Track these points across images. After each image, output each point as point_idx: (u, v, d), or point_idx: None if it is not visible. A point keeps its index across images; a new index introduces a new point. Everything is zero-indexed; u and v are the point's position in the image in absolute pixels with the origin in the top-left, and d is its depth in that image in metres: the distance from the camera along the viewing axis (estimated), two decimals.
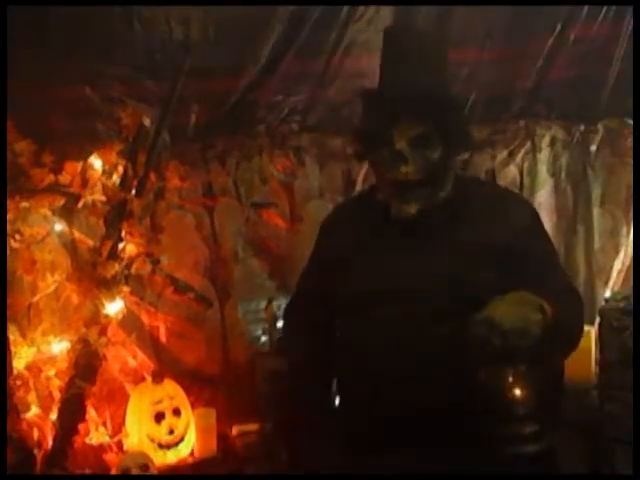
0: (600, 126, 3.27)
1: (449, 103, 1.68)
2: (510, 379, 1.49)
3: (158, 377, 2.50)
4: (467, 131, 1.74)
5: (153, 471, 2.32)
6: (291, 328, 1.98)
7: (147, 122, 2.35)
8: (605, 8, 3.02)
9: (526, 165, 3.20)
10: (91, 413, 2.42)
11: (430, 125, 1.63)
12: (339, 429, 1.76)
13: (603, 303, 2.86)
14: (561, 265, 1.84)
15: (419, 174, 1.63)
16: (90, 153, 2.36)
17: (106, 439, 2.45)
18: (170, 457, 2.45)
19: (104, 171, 2.36)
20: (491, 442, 1.55)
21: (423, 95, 1.62)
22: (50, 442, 2.26)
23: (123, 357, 2.52)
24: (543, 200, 3.22)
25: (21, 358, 2.24)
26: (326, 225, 1.91)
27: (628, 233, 3.28)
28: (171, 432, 2.45)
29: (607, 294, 3.18)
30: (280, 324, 2.61)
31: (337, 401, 1.87)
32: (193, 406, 2.55)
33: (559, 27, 3.02)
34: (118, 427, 2.49)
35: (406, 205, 1.65)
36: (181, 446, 2.47)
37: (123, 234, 2.35)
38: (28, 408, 2.22)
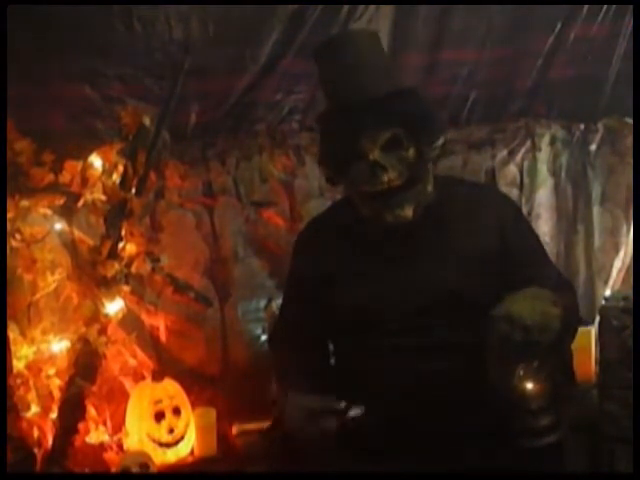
0: (600, 125, 3.26)
1: (406, 96, 1.64)
2: (522, 372, 1.49)
3: (158, 376, 2.50)
4: (431, 116, 1.67)
5: (153, 470, 2.32)
6: (283, 361, 1.89)
7: (147, 121, 2.34)
8: (605, 8, 3.02)
9: (526, 164, 3.19)
10: (91, 412, 2.42)
11: (396, 125, 1.60)
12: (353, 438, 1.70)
13: (603, 302, 2.85)
14: (548, 255, 1.85)
15: (401, 178, 1.60)
16: (90, 152, 2.36)
17: (106, 438, 2.46)
18: (170, 456, 2.45)
19: (104, 170, 2.36)
20: (508, 437, 1.56)
21: (380, 97, 1.59)
22: (50, 441, 2.26)
23: (123, 356, 2.52)
24: (543, 199, 3.21)
25: (21, 357, 2.24)
26: (304, 242, 1.85)
27: (628, 232, 3.28)
28: (171, 431, 2.45)
29: (607, 293, 3.18)
30: None
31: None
32: (193, 405, 2.55)
33: (559, 26, 3.01)
34: (118, 426, 2.49)
35: (400, 210, 1.62)
36: (181, 445, 2.47)
37: (123, 233, 2.35)
38: (28, 407, 2.22)
